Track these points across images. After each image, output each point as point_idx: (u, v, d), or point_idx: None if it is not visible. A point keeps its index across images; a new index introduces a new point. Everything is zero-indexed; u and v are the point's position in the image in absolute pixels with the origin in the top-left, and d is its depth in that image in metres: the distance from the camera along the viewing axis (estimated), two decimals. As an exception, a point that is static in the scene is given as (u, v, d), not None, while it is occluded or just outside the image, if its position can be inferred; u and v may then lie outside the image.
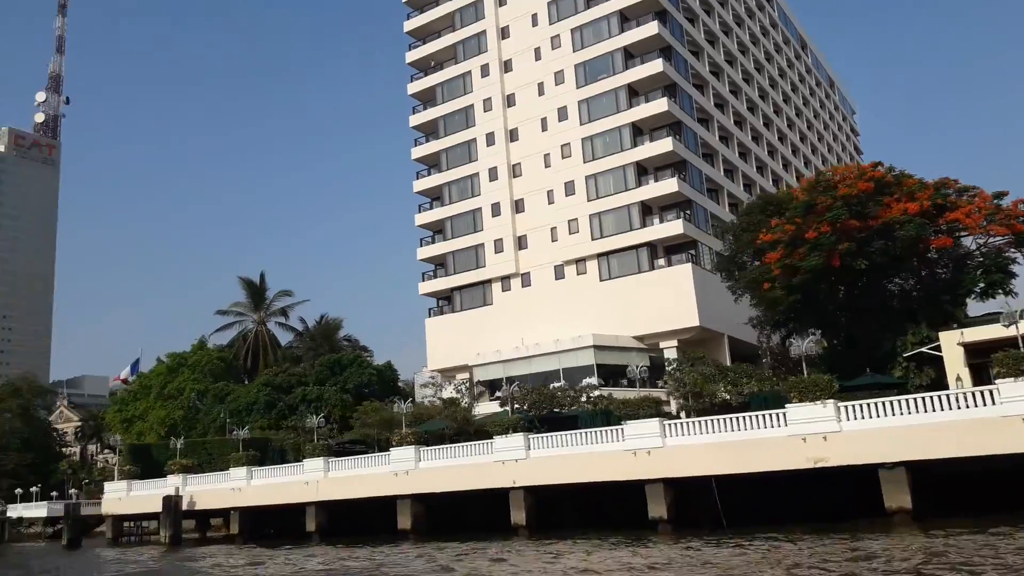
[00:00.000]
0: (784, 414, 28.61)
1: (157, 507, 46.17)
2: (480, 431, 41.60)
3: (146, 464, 55.42)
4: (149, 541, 52.01)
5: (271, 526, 46.44)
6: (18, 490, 76.58)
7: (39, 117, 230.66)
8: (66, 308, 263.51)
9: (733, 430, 29.31)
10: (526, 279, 62.85)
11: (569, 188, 61.14)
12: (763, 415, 29.26)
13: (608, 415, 39.17)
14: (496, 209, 64.69)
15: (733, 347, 57.18)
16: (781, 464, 28.23)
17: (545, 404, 47.86)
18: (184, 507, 45.80)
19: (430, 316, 68.27)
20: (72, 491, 79.52)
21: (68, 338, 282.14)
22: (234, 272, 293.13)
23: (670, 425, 30.79)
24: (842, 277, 37.90)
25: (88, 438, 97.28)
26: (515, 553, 27.50)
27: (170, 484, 46.73)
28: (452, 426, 43.73)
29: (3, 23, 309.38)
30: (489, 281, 64.59)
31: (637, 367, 42.97)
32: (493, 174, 65.32)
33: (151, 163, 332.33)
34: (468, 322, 64.80)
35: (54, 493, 77.45)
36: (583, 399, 49.52)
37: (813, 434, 27.78)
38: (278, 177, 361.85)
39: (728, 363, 51.43)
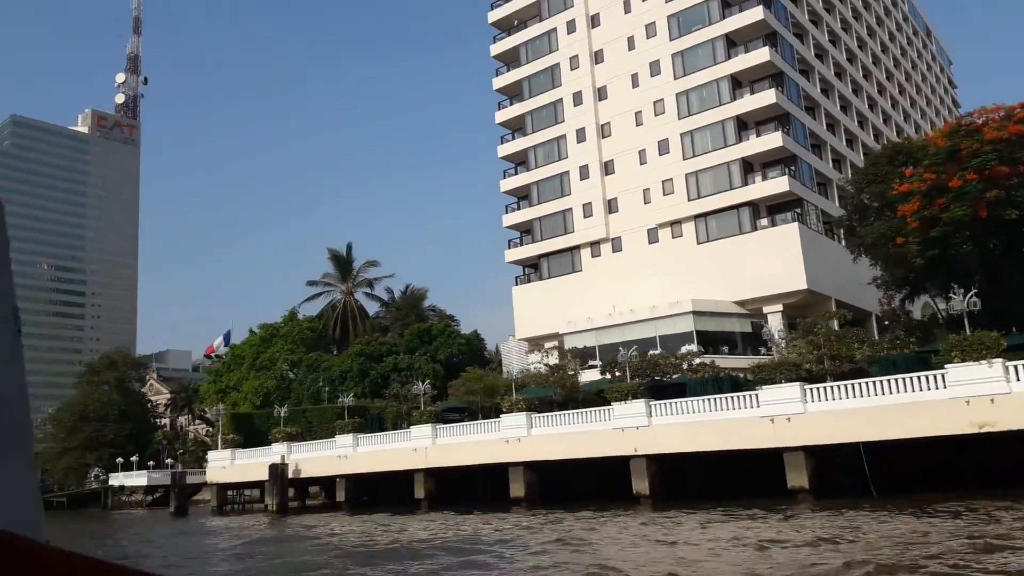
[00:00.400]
0: (943, 375, 26.21)
1: (261, 475, 46.49)
2: (588, 399, 40.27)
3: (246, 433, 56.06)
4: (252, 509, 52.74)
5: (375, 493, 46.25)
6: (119, 459, 79.23)
7: (119, 98, 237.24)
8: (150, 285, 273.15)
9: (883, 394, 27.06)
10: (617, 244, 60.85)
11: (663, 147, 58.60)
12: (919, 377, 26.89)
13: (720, 382, 37.24)
14: (584, 172, 62.66)
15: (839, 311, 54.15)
16: (939, 429, 25.91)
17: (648, 372, 46.16)
18: (289, 475, 45.97)
19: (517, 284, 67.05)
20: (168, 461, 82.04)
21: (153, 315, 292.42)
22: (321, 245, 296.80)
23: (812, 390, 28.69)
24: (986, 229, 34.79)
25: (179, 409, 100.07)
26: (656, 524, 26.07)
27: (275, 452, 46.94)
28: (560, 393, 42.44)
29: (83, 4, 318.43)
30: (578, 247, 62.82)
31: (773, 328, 41.05)
32: (581, 135, 63.20)
33: (232, 141, 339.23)
34: (556, 289, 63.30)
35: (151, 463, 79.88)
36: (684, 367, 47.66)
37: (978, 396, 25.34)
38: (363, 150, 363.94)
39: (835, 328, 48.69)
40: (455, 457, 39.11)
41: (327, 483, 48.08)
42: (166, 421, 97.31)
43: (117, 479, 77.48)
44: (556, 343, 63.68)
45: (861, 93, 73.01)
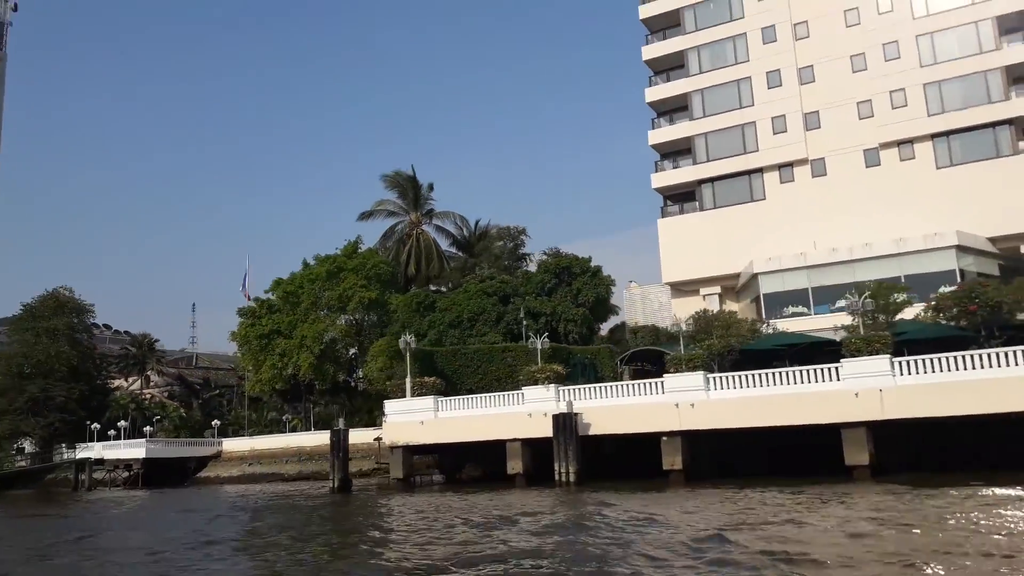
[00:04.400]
0: None
1: (502, 432, 30.94)
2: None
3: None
4: (448, 480, 36.45)
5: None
6: (111, 431, 59.60)
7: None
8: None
9: None
10: (818, 166, 49.36)
11: (890, 51, 47.72)
12: None
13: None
14: (774, 79, 50.77)
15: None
16: None
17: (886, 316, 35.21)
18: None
19: (663, 216, 54.17)
20: (148, 429, 62.62)
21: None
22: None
23: None
24: None
25: (132, 368, 79.26)
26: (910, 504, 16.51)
27: (536, 399, 31.12)
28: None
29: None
30: (760, 170, 50.81)
31: None
32: (768, 35, 51.34)
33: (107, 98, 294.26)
34: (725, 222, 51.04)
35: (111, 431, 60.54)
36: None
37: None
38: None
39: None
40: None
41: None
42: (118, 382, 76.28)
43: (89, 451, 57.50)
44: (714, 288, 51.58)
45: None
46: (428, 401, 34.27)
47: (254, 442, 59.51)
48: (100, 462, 57.25)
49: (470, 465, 36.49)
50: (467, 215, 63.63)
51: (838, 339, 30.67)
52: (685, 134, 53.03)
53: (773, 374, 27.69)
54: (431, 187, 60.84)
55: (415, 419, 34.14)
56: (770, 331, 40.87)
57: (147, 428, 62.23)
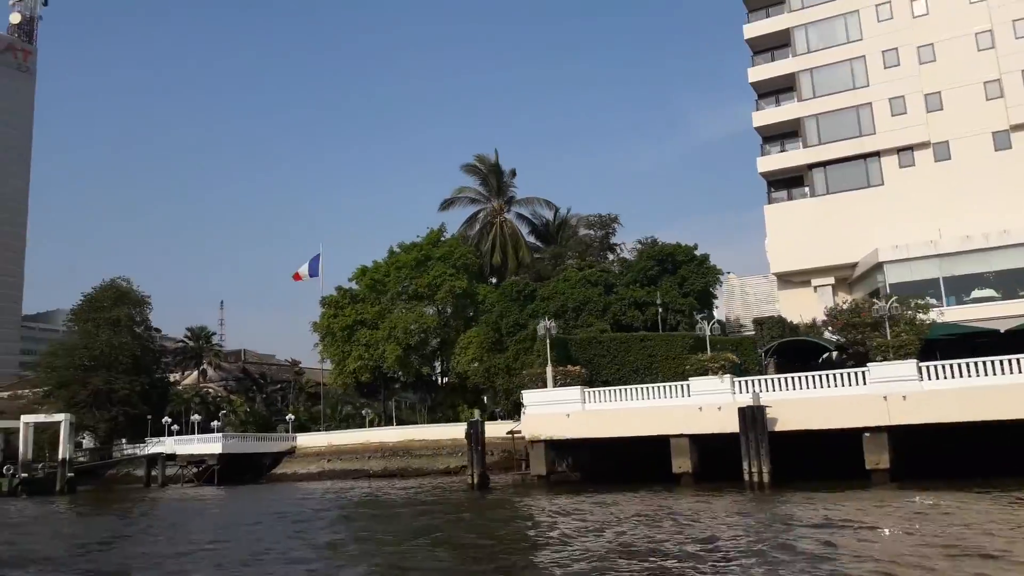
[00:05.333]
0: None
1: (665, 428, 28.46)
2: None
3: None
4: (567, 480, 33.83)
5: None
6: (175, 426, 57.46)
7: (14, 17, 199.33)
8: (41, 237, 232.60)
9: None
10: (941, 150, 46.86)
11: (1021, 27, 45.25)
12: None
13: None
14: (890, 58, 48.30)
15: None
16: None
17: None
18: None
19: (770, 203, 51.70)
20: (216, 424, 60.42)
21: (41, 268, 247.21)
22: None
23: None
24: None
25: (188, 362, 77.03)
26: None
27: (705, 390, 28.63)
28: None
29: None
30: (877, 153, 48.34)
31: None
32: (884, 12, 48.83)
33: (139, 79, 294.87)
34: (839, 208, 48.57)
35: (175, 426, 58.50)
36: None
37: None
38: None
39: None
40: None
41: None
42: (174, 376, 74.03)
43: (161, 446, 55.27)
44: (827, 279, 49.16)
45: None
46: (574, 392, 31.85)
47: (331, 437, 57.28)
48: (171, 457, 55.07)
49: (611, 462, 33.94)
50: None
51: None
52: (794, 115, 50.61)
53: (1005, 361, 25.14)
54: (513, 173, 58.47)
55: (559, 411, 31.72)
56: (941, 319, 38.04)
57: (214, 423, 59.99)
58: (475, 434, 33.04)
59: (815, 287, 49.29)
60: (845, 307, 35.71)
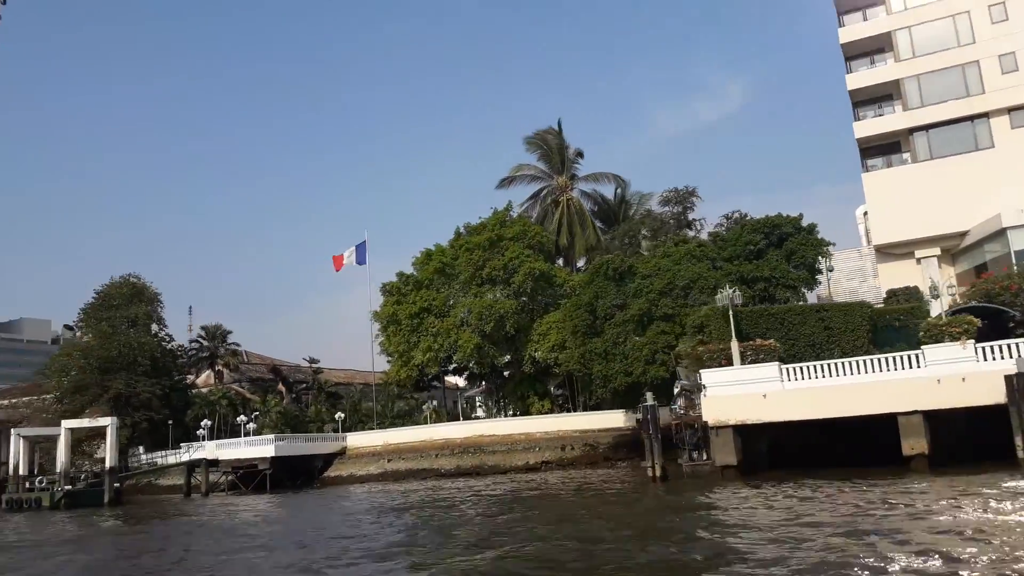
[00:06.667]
0: None
1: (891, 405, 24.33)
2: None
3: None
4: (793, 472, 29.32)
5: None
6: (201, 429, 51.47)
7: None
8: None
9: None
10: (1056, 110, 44.41)
11: None
12: None
13: None
14: (998, 12, 45.62)
15: None
16: None
17: None
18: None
19: (866, 171, 48.59)
20: (250, 426, 54.54)
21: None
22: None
23: None
24: None
25: (204, 362, 70.50)
26: None
27: (944, 358, 24.45)
28: None
29: None
30: (986, 114, 45.57)
31: None
32: (988, -36, 46.16)
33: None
34: (943, 174, 45.70)
35: (200, 431, 52.67)
36: None
37: None
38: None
39: None
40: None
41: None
42: (190, 378, 67.49)
43: (202, 451, 49.23)
44: (931, 250, 46.29)
45: None
46: (771, 369, 27.74)
47: (387, 435, 52.17)
48: (213, 463, 49.16)
49: (811, 447, 29.55)
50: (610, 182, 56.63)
51: None
52: (892, 77, 47.56)
53: None
54: (579, 153, 53.93)
55: (753, 391, 27.55)
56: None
57: (250, 425, 54.01)
58: (651, 419, 28.69)
59: (918, 259, 46.34)
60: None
